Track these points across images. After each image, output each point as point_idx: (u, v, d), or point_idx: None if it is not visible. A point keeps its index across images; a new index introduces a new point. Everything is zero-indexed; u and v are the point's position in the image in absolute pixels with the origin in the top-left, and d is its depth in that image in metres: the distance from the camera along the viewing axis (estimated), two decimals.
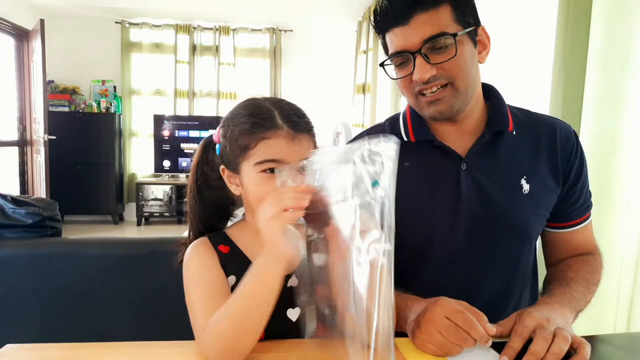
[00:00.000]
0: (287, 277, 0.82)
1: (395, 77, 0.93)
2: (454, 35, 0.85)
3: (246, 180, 0.80)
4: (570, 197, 0.99)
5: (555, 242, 1.04)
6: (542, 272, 1.08)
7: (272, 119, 0.77)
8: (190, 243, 0.87)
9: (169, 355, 0.77)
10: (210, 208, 0.89)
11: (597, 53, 1.33)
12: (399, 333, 0.84)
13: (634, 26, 1.24)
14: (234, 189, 0.84)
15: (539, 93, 1.92)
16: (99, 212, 5.42)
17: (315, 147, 0.82)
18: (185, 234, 0.93)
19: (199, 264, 0.81)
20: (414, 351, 0.78)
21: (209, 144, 0.88)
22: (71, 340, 0.80)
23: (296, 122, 0.78)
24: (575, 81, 1.43)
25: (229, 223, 0.94)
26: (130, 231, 5.20)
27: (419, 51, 0.86)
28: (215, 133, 0.86)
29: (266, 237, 0.66)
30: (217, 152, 0.86)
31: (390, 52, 0.91)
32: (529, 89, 2.19)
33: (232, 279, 0.82)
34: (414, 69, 0.87)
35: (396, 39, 0.88)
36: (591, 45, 1.36)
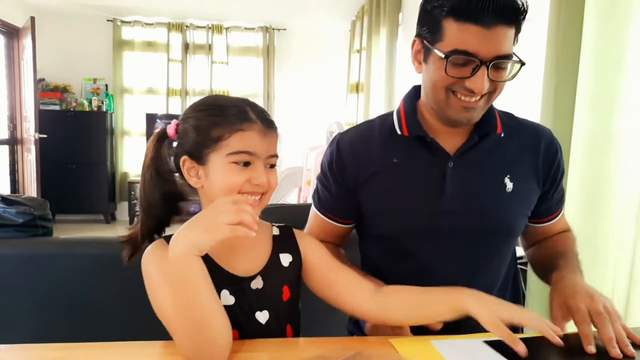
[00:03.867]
0: (251, 279, 0.83)
1: (447, 72, 0.87)
2: (522, 63, 0.88)
3: (214, 171, 0.80)
4: (553, 197, 1.05)
5: (536, 234, 1.11)
6: (530, 274, 1.09)
7: (246, 113, 0.80)
8: (140, 240, 0.86)
9: (161, 355, 0.76)
10: (158, 200, 0.85)
11: (589, 52, 1.34)
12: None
13: (627, 25, 1.25)
14: (194, 182, 0.83)
15: (530, 92, 1.93)
16: (91, 212, 5.39)
17: (277, 142, 0.85)
18: (120, 233, 0.92)
19: (158, 267, 0.79)
20: (413, 351, 0.78)
21: (162, 137, 0.86)
22: (63, 340, 0.79)
23: (266, 119, 0.82)
24: (567, 80, 1.44)
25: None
26: (122, 230, 5.14)
27: (488, 63, 0.85)
28: (172, 127, 0.84)
29: (202, 230, 0.71)
30: (174, 146, 0.85)
31: (453, 46, 0.85)
32: (520, 88, 2.20)
33: None
34: (471, 76, 0.85)
35: (470, 38, 0.84)
36: (584, 44, 1.37)
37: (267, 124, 0.81)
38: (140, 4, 4.96)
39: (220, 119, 0.79)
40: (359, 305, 0.86)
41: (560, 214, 1.09)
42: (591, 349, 0.75)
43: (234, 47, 5.60)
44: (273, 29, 5.60)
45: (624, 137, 1.29)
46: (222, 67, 5.57)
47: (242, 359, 0.74)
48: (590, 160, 1.33)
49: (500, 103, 1.06)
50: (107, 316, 1.43)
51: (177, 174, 0.86)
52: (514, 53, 0.87)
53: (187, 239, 0.72)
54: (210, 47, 5.54)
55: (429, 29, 0.89)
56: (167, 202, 0.86)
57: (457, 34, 0.84)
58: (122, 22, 5.43)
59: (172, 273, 0.72)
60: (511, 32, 0.85)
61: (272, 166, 0.83)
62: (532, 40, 2.14)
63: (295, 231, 0.92)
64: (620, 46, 1.26)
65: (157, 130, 0.87)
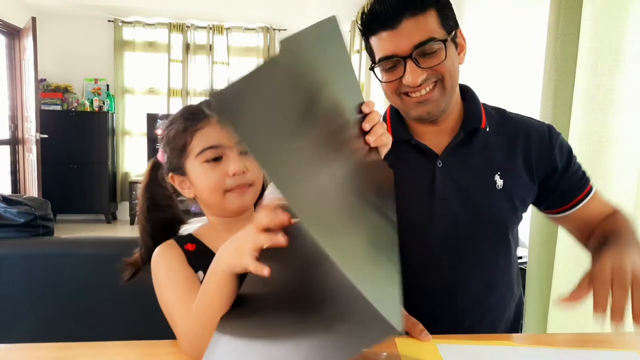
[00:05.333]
0: None
1: (383, 80, 0.95)
2: (444, 40, 0.88)
3: (194, 177, 0.82)
4: (569, 179, 1.02)
5: (577, 221, 1.05)
6: (529, 275, 1.09)
7: (201, 111, 0.81)
8: (142, 262, 0.89)
9: (162, 355, 0.77)
10: (157, 228, 0.90)
11: (586, 53, 1.35)
12: None
13: (622, 26, 1.26)
14: (187, 193, 0.86)
15: (530, 93, 1.94)
16: (92, 211, 5.39)
17: None
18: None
19: (166, 266, 0.81)
20: (415, 353, 0.78)
21: (156, 165, 0.90)
22: (63, 340, 0.79)
23: None
24: (565, 81, 1.44)
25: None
26: (123, 230, 5.18)
27: (410, 56, 0.88)
28: (160, 153, 0.88)
29: (232, 249, 0.64)
30: (165, 171, 0.88)
31: (378, 56, 0.92)
32: (520, 89, 2.20)
33: (200, 274, 0.81)
34: (404, 73, 0.89)
35: (385, 43, 0.90)
36: (581, 45, 1.37)
37: None
38: (141, 5, 4.96)
39: (180, 126, 0.81)
40: None
41: (589, 195, 1.03)
42: (599, 311, 0.69)
43: (234, 47, 5.61)
44: (273, 29, 5.60)
45: (619, 138, 1.29)
46: (223, 67, 5.58)
47: None
48: (585, 161, 1.33)
49: (500, 103, 1.07)
50: (107, 316, 1.44)
51: (177, 197, 0.89)
52: (447, 33, 0.89)
53: (222, 256, 0.66)
54: (211, 47, 5.55)
55: (368, 52, 0.97)
56: (164, 228, 0.89)
57: (377, 45, 0.92)
58: (123, 22, 5.44)
59: (205, 282, 0.68)
60: (424, 18, 0.87)
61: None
62: (531, 42, 2.15)
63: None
64: (616, 47, 1.27)
65: (151, 160, 0.91)
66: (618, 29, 1.26)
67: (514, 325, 1.09)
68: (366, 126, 0.70)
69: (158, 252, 0.83)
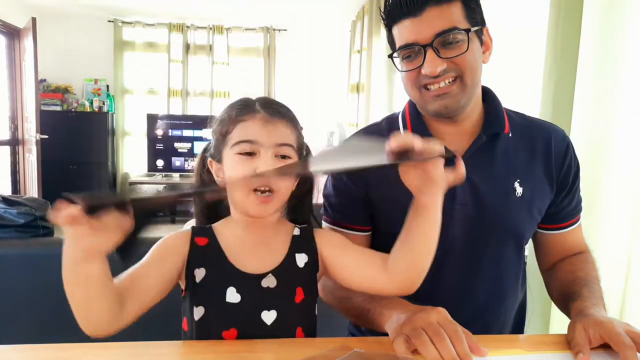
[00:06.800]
0: (262, 277, 0.81)
1: (402, 69, 0.93)
2: (467, 30, 0.86)
3: (226, 166, 0.82)
4: (569, 201, 1.01)
5: (551, 244, 1.06)
6: (530, 274, 1.08)
7: (250, 106, 0.82)
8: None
9: (162, 355, 0.76)
10: (206, 209, 0.92)
11: (587, 54, 1.34)
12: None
13: (624, 27, 1.25)
14: (219, 181, 0.85)
15: (530, 94, 1.93)
16: None
17: (296, 134, 0.84)
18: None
19: (156, 246, 0.82)
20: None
21: (205, 149, 0.91)
22: (64, 340, 0.79)
23: (273, 109, 0.82)
24: (566, 82, 1.44)
25: None
26: None
27: (431, 44, 0.86)
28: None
29: None
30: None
31: (399, 44, 0.90)
32: (520, 90, 2.20)
33: (201, 271, 0.81)
34: (423, 62, 0.87)
35: (406, 31, 0.88)
36: (582, 47, 1.37)
37: (272, 113, 0.80)
38: (141, 5, 4.96)
39: (225, 116, 0.83)
40: (375, 284, 0.83)
41: (577, 224, 1.04)
42: None
43: (234, 47, 5.60)
44: (273, 30, 5.60)
45: (620, 139, 1.29)
46: (223, 67, 5.57)
47: (239, 359, 0.74)
48: (587, 163, 1.33)
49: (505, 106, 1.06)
50: None
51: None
52: (471, 26, 0.87)
53: None
54: (211, 47, 5.55)
55: (390, 44, 0.96)
56: (213, 212, 0.91)
57: (398, 34, 0.90)
58: (123, 22, 5.44)
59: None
60: (448, 7, 0.86)
61: (284, 157, 0.80)
62: (531, 43, 2.14)
63: (315, 230, 0.90)
64: (618, 48, 1.26)
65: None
66: (618, 28, 1.26)
67: (518, 327, 1.08)
68: (393, 144, 0.70)
69: (167, 235, 0.84)
